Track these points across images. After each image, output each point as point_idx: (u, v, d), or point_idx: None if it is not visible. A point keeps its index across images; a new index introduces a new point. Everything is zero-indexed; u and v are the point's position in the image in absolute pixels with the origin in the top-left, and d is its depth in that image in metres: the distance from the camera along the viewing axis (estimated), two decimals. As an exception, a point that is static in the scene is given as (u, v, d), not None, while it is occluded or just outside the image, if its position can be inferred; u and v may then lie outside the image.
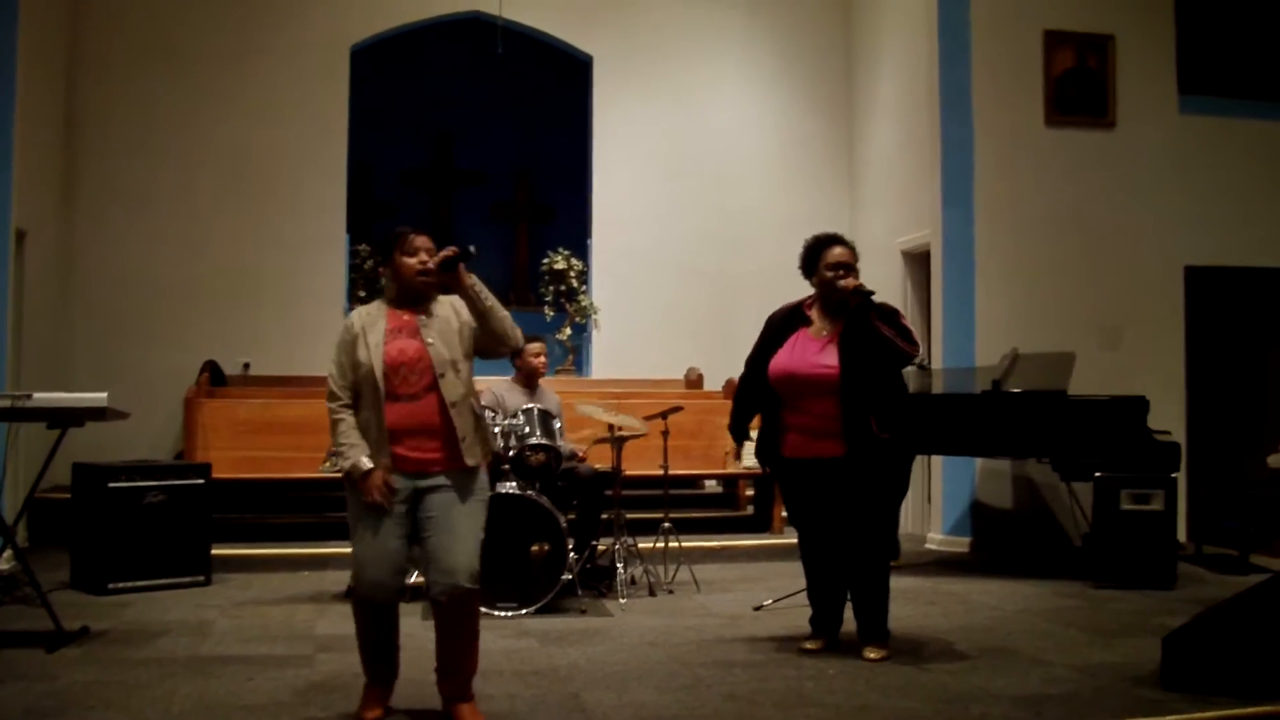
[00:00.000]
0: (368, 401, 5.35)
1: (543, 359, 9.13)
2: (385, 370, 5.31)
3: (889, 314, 6.68)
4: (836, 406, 6.58)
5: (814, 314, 6.89)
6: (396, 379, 5.33)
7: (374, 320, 5.44)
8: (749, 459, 10.54)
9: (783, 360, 6.76)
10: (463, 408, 5.41)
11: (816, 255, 6.87)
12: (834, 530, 6.76)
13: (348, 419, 5.36)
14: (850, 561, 6.77)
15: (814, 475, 6.69)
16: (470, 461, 5.40)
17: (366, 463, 5.25)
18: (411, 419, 5.33)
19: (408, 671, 5.69)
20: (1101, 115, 11.57)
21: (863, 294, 6.61)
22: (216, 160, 13.12)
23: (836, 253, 6.80)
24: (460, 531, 5.34)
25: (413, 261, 5.44)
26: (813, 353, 6.70)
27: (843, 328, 6.71)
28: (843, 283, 6.68)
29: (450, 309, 5.53)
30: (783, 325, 6.92)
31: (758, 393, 6.98)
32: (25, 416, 6.97)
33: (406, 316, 5.47)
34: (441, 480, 5.36)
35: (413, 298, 5.50)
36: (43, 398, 6.90)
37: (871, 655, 6.61)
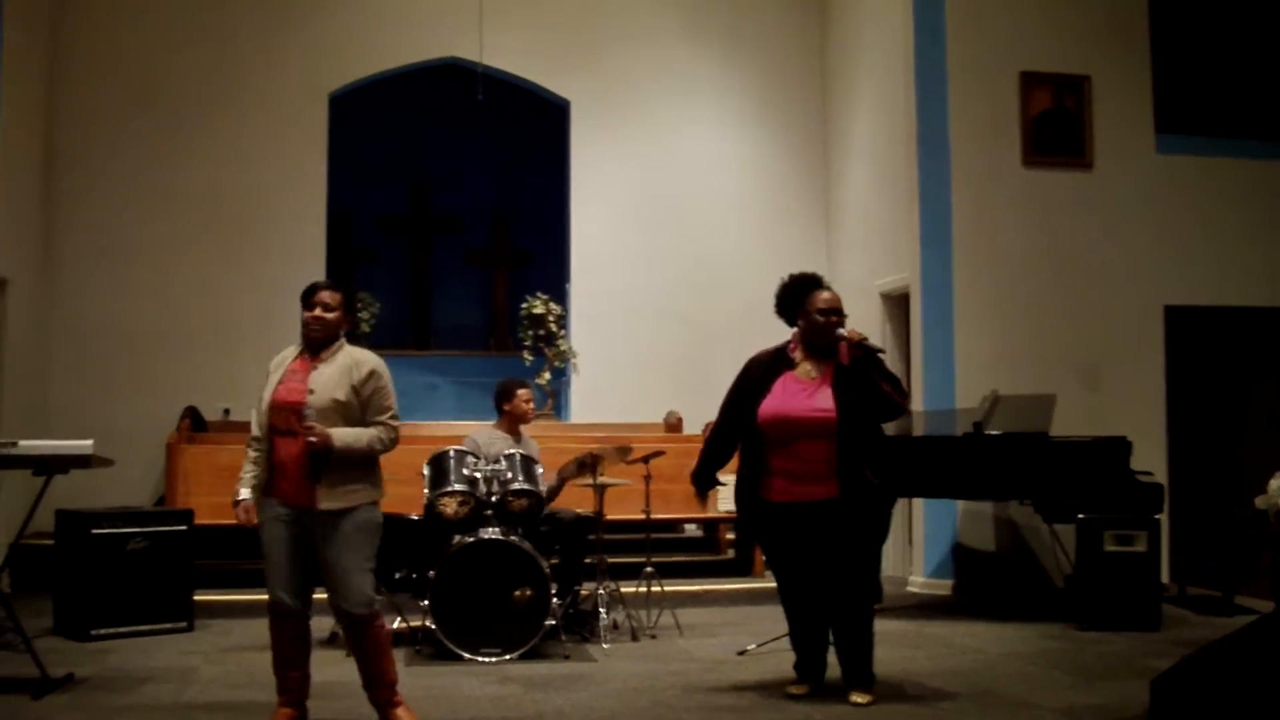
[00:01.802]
0: (265, 434, 5.87)
1: (531, 404, 9.20)
2: (270, 406, 5.85)
3: (877, 361, 6.67)
4: (831, 450, 6.54)
5: (798, 356, 6.85)
6: (278, 417, 5.82)
7: (283, 361, 6.01)
8: (729, 503, 10.53)
9: (775, 404, 6.68)
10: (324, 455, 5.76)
11: (801, 297, 6.85)
12: (817, 574, 6.72)
13: (250, 453, 5.92)
14: (834, 606, 6.73)
15: (802, 519, 6.61)
16: (325, 505, 5.75)
17: (242, 494, 5.86)
18: (286, 455, 5.80)
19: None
20: (1079, 155, 11.62)
21: (866, 348, 6.61)
22: (196, 208, 13.13)
23: (826, 297, 6.79)
24: (344, 565, 5.76)
25: (307, 315, 5.98)
26: (805, 395, 6.65)
27: (834, 370, 6.69)
28: (846, 332, 6.65)
29: (349, 363, 5.96)
30: (766, 370, 6.85)
31: (733, 440, 6.94)
32: (11, 464, 6.96)
33: (306, 360, 5.97)
34: (320, 516, 5.76)
35: (312, 346, 5.97)
36: (29, 445, 6.90)
37: (858, 700, 6.57)
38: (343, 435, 5.75)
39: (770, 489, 6.71)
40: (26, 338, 11.58)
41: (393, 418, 5.97)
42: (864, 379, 6.60)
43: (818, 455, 6.57)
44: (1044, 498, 9.65)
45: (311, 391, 5.77)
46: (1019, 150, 11.55)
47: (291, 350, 6.02)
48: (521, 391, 9.12)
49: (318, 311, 5.93)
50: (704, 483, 7.12)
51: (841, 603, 6.68)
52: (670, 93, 14.59)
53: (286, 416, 5.76)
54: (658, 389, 13.75)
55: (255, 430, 5.87)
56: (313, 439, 5.67)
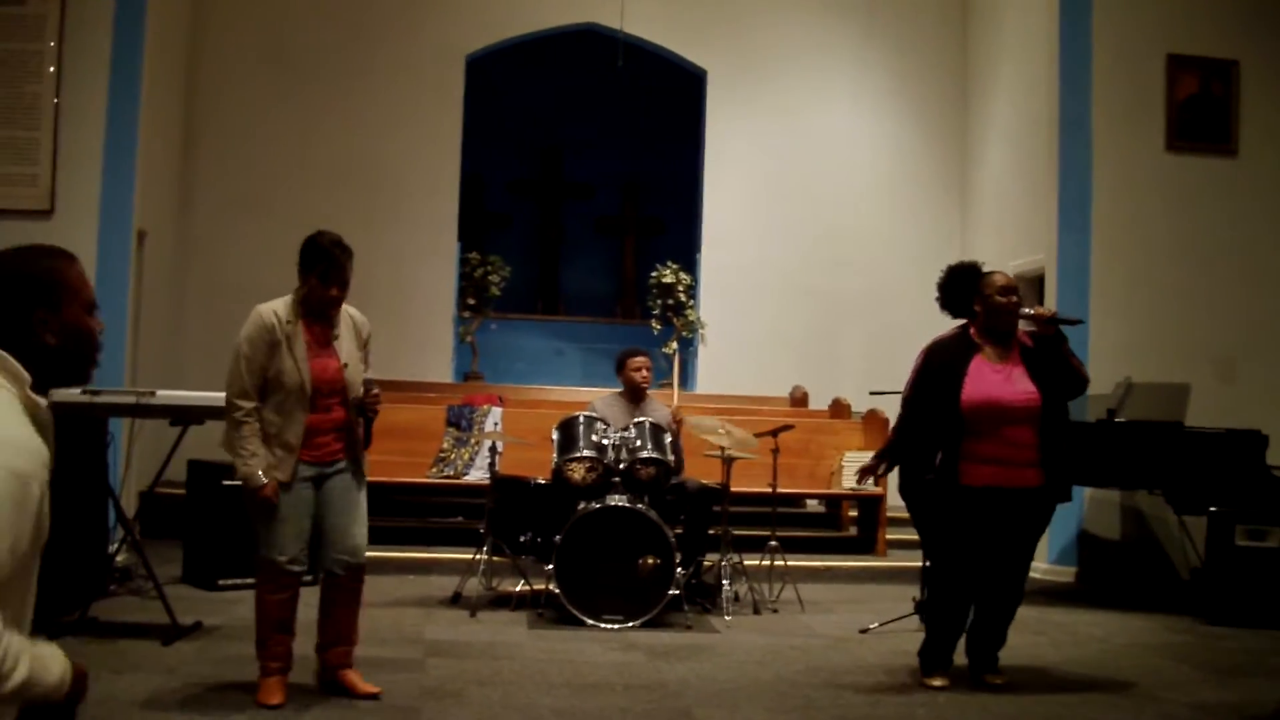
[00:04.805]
0: (283, 407, 5.79)
1: (644, 373, 9.04)
2: (313, 385, 5.81)
3: (1065, 336, 6.67)
4: (1034, 435, 6.47)
5: (980, 341, 6.68)
6: (320, 391, 5.83)
7: (293, 329, 5.91)
8: (852, 480, 10.46)
9: (979, 389, 6.48)
10: (355, 415, 6.01)
11: (974, 283, 6.72)
12: (991, 562, 6.60)
13: (252, 424, 5.76)
14: (996, 592, 6.64)
15: (1003, 505, 6.47)
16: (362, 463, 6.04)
17: (260, 479, 5.65)
18: (324, 424, 5.85)
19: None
20: (1224, 142, 11.36)
21: (1060, 321, 6.59)
22: (329, 170, 13.31)
23: (1000, 278, 6.68)
24: (359, 514, 5.95)
25: (336, 291, 6.01)
26: (1005, 380, 6.51)
27: (1021, 354, 6.62)
28: (1034, 311, 6.61)
29: (350, 322, 6.15)
30: (953, 356, 6.65)
31: (927, 428, 6.63)
32: (150, 413, 7.15)
33: (319, 329, 6.00)
34: (340, 467, 5.91)
35: (323, 315, 5.99)
36: (166, 395, 7.08)
37: (998, 680, 6.59)
38: None
39: (973, 474, 6.49)
40: (162, 290, 11.77)
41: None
42: (1051, 356, 6.57)
43: (1024, 440, 6.46)
44: (1175, 488, 9.47)
45: (345, 365, 5.93)
46: (1162, 135, 11.31)
47: (286, 313, 5.97)
48: (632, 360, 9.00)
49: (340, 291, 6.03)
50: (893, 462, 6.91)
51: (1007, 590, 6.65)
52: (807, 66, 14.52)
53: (327, 391, 5.85)
54: (784, 363, 13.73)
55: (254, 399, 5.79)
56: (377, 409, 6.01)
